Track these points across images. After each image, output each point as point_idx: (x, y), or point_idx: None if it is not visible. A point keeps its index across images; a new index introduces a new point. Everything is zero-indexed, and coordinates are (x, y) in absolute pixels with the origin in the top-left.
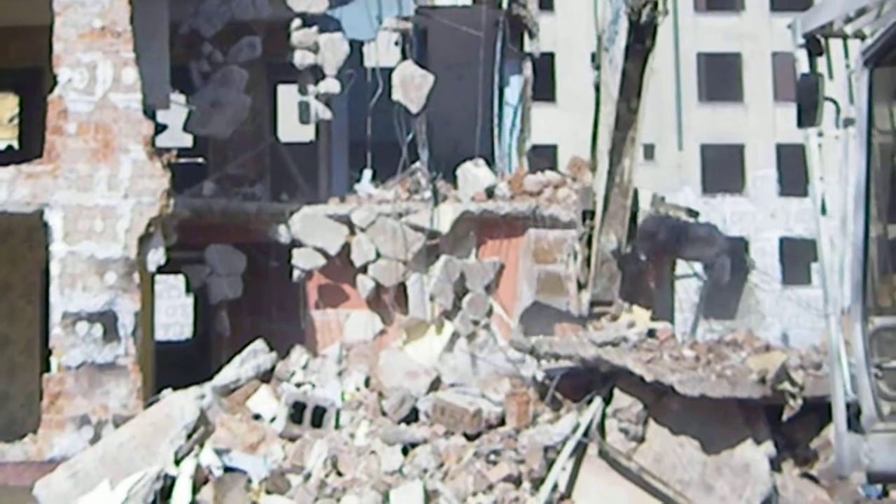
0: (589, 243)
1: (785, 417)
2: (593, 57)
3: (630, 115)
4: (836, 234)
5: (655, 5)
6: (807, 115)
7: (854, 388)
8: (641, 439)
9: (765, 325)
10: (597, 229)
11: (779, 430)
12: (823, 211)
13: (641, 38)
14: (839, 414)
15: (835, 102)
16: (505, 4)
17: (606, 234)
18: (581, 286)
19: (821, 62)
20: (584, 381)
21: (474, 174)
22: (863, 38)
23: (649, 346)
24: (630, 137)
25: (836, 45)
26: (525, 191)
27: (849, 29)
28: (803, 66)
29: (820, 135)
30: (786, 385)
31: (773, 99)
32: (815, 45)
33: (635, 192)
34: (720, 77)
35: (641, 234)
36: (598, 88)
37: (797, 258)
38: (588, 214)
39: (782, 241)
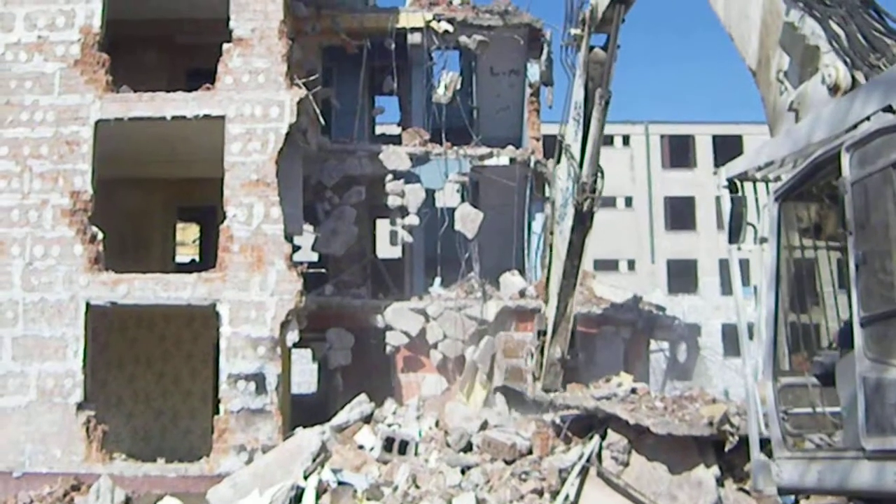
0: (542, 351)
1: (726, 449)
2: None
3: (573, 270)
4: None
5: (593, 201)
6: (735, 234)
7: (767, 426)
8: (627, 464)
9: (712, 385)
10: (547, 343)
11: (722, 458)
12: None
13: (583, 221)
14: (754, 445)
15: (753, 226)
16: (532, 164)
17: (554, 347)
18: (535, 378)
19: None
20: (586, 424)
21: (511, 280)
22: (767, 181)
23: (632, 399)
24: (572, 284)
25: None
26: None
27: (758, 175)
28: (726, 201)
29: (739, 249)
30: (727, 426)
31: (717, 228)
32: (733, 186)
33: (574, 318)
34: (680, 213)
35: (624, 322)
36: (550, 247)
37: (734, 338)
38: (541, 332)
39: (724, 326)
